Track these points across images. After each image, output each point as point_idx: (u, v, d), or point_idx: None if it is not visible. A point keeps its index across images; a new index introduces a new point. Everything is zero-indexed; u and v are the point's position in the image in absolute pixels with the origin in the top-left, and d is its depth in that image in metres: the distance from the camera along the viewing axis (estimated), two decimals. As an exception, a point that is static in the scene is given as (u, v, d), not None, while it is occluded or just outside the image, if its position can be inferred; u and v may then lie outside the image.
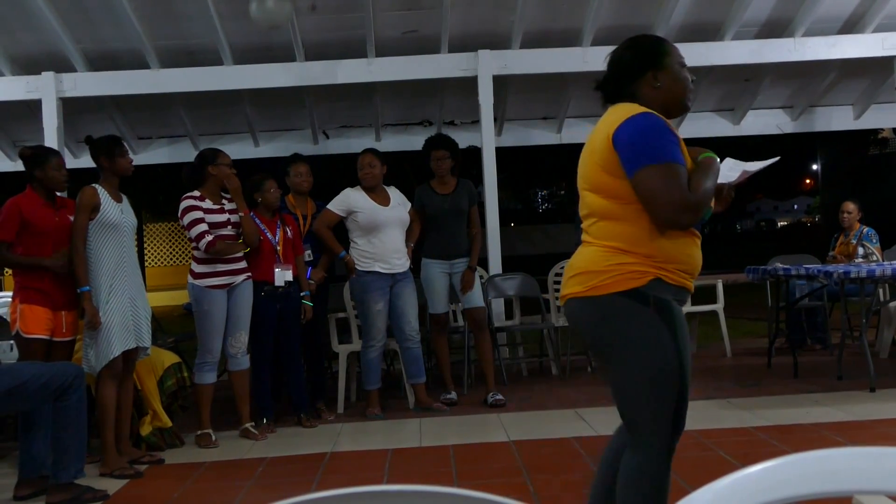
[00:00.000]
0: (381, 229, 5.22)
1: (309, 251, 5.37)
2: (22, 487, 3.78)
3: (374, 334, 5.19)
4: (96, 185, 4.26)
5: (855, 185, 14.07)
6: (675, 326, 2.14)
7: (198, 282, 4.69)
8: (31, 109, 6.83)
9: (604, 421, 4.62)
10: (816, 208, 37.42)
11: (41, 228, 4.14)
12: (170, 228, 26.75)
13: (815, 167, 29.86)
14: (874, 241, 6.70)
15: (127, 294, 4.23)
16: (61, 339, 4.20)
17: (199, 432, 4.70)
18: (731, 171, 2.40)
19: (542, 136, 8.44)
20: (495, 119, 7.08)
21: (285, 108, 7.82)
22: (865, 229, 6.81)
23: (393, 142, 8.33)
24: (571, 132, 8.28)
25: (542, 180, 41.55)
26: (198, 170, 4.82)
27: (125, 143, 4.53)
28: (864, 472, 0.83)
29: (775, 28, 6.84)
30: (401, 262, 5.27)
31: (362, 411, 5.28)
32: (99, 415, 4.17)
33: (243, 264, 4.80)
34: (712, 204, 2.24)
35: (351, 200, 5.28)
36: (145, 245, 25.93)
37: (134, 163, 4.56)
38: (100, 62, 6.64)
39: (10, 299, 4.30)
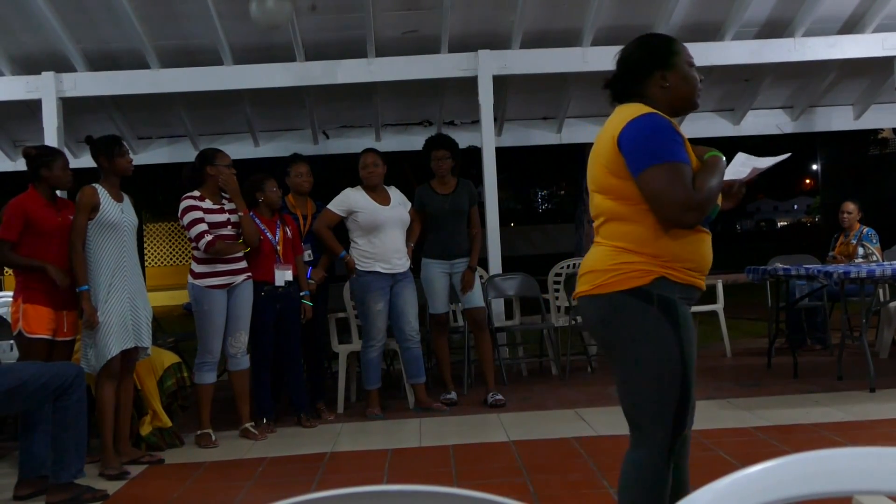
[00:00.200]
0: (381, 229, 5.22)
1: (309, 251, 5.38)
2: (22, 487, 3.78)
3: (374, 334, 5.19)
4: (96, 185, 4.26)
5: (855, 185, 14.04)
6: (679, 325, 2.15)
7: (198, 282, 4.69)
8: (31, 109, 6.83)
9: (604, 421, 4.63)
10: (816, 208, 37.40)
11: (44, 228, 4.14)
12: (170, 228, 26.73)
13: (815, 167, 29.81)
14: (874, 241, 6.70)
15: (126, 294, 4.22)
16: (63, 339, 4.21)
17: (198, 432, 4.71)
18: (742, 166, 2.38)
19: (542, 136, 8.43)
20: (495, 119, 7.08)
21: (285, 108, 7.81)
22: (865, 229, 6.81)
23: (393, 142, 8.31)
24: (571, 132, 8.28)
25: (542, 180, 41.49)
26: (198, 170, 4.82)
27: (125, 143, 4.53)
28: (864, 472, 0.83)
29: (775, 28, 6.84)
30: (401, 262, 5.27)
31: (362, 411, 5.28)
32: (98, 415, 4.17)
33: (243, 264, 4.80)
34: (719, 201, 2.25)
35: (351, 200, 5.28)
36: (145, 245, 25.94)
37: (134, 163, 4.55)
38: (100, 62, 6.64)
39: (10, 299, 4.31)
